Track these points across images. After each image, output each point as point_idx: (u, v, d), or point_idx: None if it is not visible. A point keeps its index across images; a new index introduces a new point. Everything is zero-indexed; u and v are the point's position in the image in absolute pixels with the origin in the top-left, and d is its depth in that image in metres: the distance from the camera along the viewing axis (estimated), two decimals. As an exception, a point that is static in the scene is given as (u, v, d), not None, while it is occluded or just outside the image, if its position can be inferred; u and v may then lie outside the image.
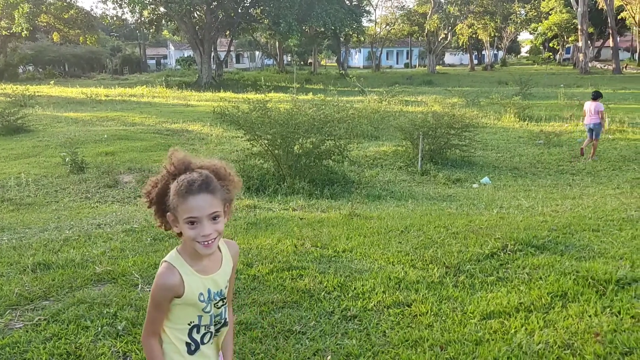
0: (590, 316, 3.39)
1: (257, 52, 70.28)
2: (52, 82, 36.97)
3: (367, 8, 55.32)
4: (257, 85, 31.79)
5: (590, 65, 47.66)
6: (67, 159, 10.91)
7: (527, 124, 16.80)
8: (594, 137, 12.36)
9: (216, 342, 2.03)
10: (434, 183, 10.43)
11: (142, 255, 5.01)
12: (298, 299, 3.92)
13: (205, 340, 1.95)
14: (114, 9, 42.74)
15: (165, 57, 79.03)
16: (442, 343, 3.19)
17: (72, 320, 3.61)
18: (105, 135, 14.62)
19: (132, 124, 17.66)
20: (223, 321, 1.99)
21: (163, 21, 41.77)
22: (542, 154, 12.77)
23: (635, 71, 47.39)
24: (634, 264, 4.19)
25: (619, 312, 3.40)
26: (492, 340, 3.19)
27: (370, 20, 63.79)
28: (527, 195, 8.65)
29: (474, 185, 10.17)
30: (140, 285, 4.31)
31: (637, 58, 61.50)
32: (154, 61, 74.19)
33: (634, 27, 59.82)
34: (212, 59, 40.51)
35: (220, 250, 1.96)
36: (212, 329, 1.95)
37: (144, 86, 33.14)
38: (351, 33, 44.51)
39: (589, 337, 3.10)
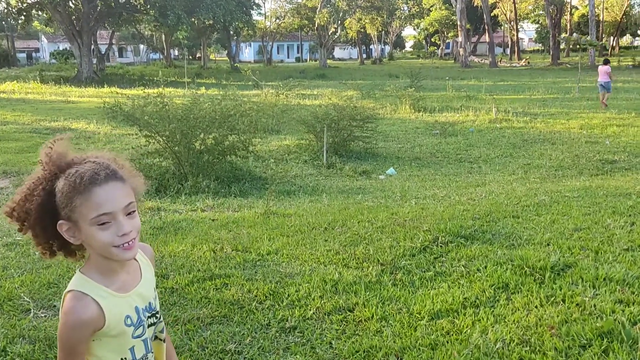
0: (536, 307, 3.30)
1: (141, 46, 66.81)
2: None
3: (257, 1, 54.58)
4: (145, 80, 30.04)
5: (469, 59, 50.76)
6: None
7: (422, 115, 17.31)
8: (606, 90, 17.39)
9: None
10: (341, 176, 10.29)
11: (31, 274, 4.26)
12: (227, 312, 3.47)
13: None
14: (-26, -3, 38.09)
15: (37, 50, 72.78)
16: (397, 351, 2.92)
17: (-54, 365, 2.90)
18: (-28, 136, 12.91)
19: (3, 123, 15.80)
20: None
21: (34, 11, 38.07)
22: (440, 143, 13.15)
23: (508, 65, 51.22)
24: (562, 249, 4.22)
25: (564, 301, 3.34)
26: (448, 342, 2.98)
27: (260, 13, 63.01)
28: (434, 185, 8.76)
29: (381, 177, 10.16)
30: (32, 311, 3.62)
31: (508, 52, 66.73)
32: (24, 54, 68.04)
33: (506, 24, 64.80)
34: (92, 52, 37.67)
35: (134, 257, 1.51)
36: (151, 357, 1.53)
37: (15, 82, 30.03)
38: (241, 26, 43.66)
39: (544, 331, 2.99)
